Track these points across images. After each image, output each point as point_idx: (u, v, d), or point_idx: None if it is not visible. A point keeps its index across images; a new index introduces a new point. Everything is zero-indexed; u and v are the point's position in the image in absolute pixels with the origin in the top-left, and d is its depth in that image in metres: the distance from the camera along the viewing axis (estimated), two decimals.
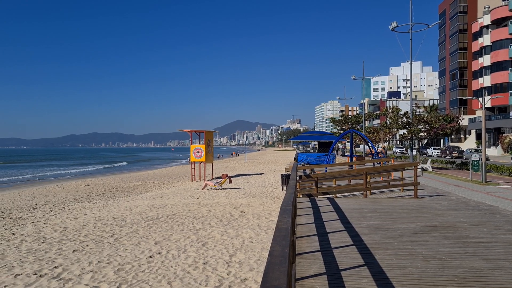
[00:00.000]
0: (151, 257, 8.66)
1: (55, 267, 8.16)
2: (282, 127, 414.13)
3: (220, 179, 23.32)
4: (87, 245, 9.89)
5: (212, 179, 28.82)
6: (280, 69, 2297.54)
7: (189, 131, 31.21)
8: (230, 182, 23.54)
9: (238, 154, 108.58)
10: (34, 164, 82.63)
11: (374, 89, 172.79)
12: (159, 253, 8.95)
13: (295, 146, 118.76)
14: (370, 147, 26.77)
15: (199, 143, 31.32)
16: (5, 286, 7.11)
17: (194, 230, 11.24)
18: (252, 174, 33.78)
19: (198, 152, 29.94)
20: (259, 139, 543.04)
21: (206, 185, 22.69)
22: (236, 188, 22.39)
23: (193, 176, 30.53)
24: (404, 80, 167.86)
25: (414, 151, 38.61)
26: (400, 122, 39.73)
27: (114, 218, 13.64)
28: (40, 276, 7.61)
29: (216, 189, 22.03)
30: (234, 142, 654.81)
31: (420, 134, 38.03)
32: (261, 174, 33.82)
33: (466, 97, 67.40)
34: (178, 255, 8.72)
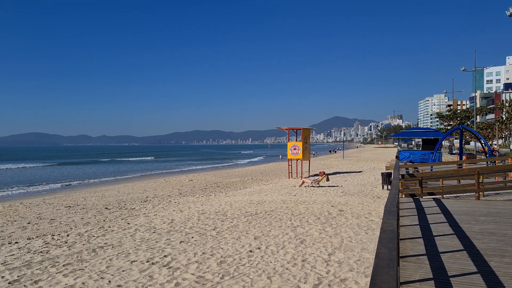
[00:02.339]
0: (251, 251, 8.92)
1: (165, 256, 8.80)
2: (382, 123, 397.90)
3: (317, 177, 23.16)
4: (192, 237, 10.50)
5: (309, 176, 28.75)
6: (380, 61, 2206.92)
7: (286, 128, 31.44)
8: (328, 180, 23.26)
9: (336, 151, 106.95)
10: (170, 159, 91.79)
11: (487, 81, 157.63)
12: (258, 248, 9.18)
13: (396, 143, 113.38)
14: (483, 144, 24.53)
15: (296, 140, 31.41)
16: (122, 271, 7.86)
17: (292, 227, 11.32)
18: (350, 172, 33.01)
19: (295, 149, 30.08)
20: (357, 136, 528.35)
21: (303, 182, 22.71)
22: (333, 186, 22.07)
23: (290, 173, 30.74)
24: None
25: None
26: None
27: (215, 212, 14.29)
28: (152, 263, 8.27)
29: (313, 186, 21.93)
30: (331, 139, 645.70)
31: None
32: (359, 172, 32.89)
33: None
34: (277, 251, 8.86)
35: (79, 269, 8.09)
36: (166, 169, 54.53)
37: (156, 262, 8.36)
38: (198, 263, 8.21)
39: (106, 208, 17.71)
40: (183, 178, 34.03)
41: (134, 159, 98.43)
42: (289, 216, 12.97)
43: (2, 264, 8.80)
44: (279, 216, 13.03)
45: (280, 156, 74.20)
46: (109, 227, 12.67)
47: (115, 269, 7.98)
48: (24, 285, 7.28)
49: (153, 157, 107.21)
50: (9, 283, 7.45)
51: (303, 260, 8.13)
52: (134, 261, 8.46)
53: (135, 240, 10.43)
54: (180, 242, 10.02)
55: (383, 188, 19.79)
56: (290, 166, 30.87)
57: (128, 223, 13.10)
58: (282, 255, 8.53)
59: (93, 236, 11.25)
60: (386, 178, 19.43)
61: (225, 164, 66.67)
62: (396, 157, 24.57)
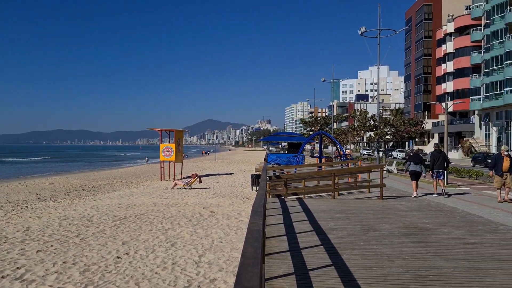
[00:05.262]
0: (118, 257, 8.55)
1: (18, 268, 7.92)
2: (252, 127, 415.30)
3: (190, 179, 23.17)
4: (51, 245, 9.64)
5: (181, 178, 28.60)
6: (251, 69, 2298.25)
7: (158, 130, 30.89)
8: (200, 181, 23.43)
9: (208, 153, 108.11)
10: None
11: (343, 91, 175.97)
12: (126, 253, 8.85)
13: (265, 147, 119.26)
14: (339, 149, 27.26)
15: (169, 142, 31.02)
16: None
17: (163, 230, 11.16)
18: (222, 174, 33.74)
19: (167, 151, 29.65)
20: (229, 138, 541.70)
21: (175, 184, 22.50)
22: (205, 188, 22.32)
23: (162, 176, 30.20)
24: (371, 83, 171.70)
25: (380, 153, 39.55)
26: (367, 125, 40.64)
27: (80, 217, 13.35)
28: (2, 277, 7.38)
29: (186, 188, 21.89)
30: (204, 141, 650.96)
31: (386, 137, 38.98)
32: (231, 174, 33.83)
33: (430, 102, 69.52)
34: (146, 256, 8.64)
35: None
36: (19, 173, 48.95)
37: (7, 275, 7.48)
38: (57, 273, 7.57)
39: None
40: (42, 181, 30.93)
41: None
42: (160, 219, 12.76)
43: None
44: (150, 219, 12.73)
45: (146, 158, 70.93)
46: None
47: None
48: None
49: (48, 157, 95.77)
50: None
51: (173, 263, 8.08)
52: None
53: None
54: (37, 251, 9.13)
55: (252, 189, 20.64)
56: (162, 168, 30.32)
57: None
58: (151, 259, 8.36)
59: None
60: (255, 179, 20.32)
61: (92, 167, 62.47)
62: (265, 159, 25.87)
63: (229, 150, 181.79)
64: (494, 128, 56.04)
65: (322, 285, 5.16)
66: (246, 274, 1.86)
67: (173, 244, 9.55)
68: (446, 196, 15.06)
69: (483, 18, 57.91)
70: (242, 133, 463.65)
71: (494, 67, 53.47)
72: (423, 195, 15.01)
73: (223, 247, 9.23)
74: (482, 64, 57.93)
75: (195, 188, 22.07)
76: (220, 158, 69.81)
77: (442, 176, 15.23)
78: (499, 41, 52.69)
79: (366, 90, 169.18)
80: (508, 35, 50.98)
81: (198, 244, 9.52)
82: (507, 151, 13.55)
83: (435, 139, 70.05)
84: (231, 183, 25.41)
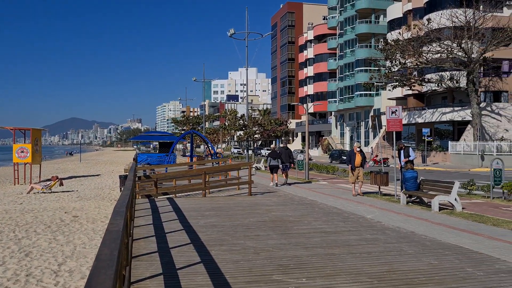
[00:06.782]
0: None
1: None
2: (121, 127, 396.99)
3: (50, 182, 21.18)
4: None
5: (40, 181, 25.96)
6: (121, 67, 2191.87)
7: (11, 128, 27.55)
8: (62, 184, 21.53)
9: (73, 154, 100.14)
10: None
11: (214, 91, 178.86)
12: None
13: (136, 146, 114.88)
14: (210, 148, 27.65)
15: (24, 141, 27.92)
16: None
17: (16, 239, 10.01)
18: (87, 176, 31.54)
19: (22, 152, 26.60)
20: (96, 138, 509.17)
21: (32, 188, 20.36)
22: (68, 191, 20.65)
23: (16, 179, 27.01)
24: (241, 84, 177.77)
25: (250, 152, 41.25)
26: (237, 124, 41.96)
27: None
28: None
29: (45, 192, 19.94)
30: (67, 141, 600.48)
31: (254, 136, 40.76)
32: (97, 175, 31.83)
33: (294, 103, 74.92)
34: None
35: None
36: None
37: None
38: None
39: None
40: None
41: None
42: (12, 227, 11.42)
43: None
44: (0, 228, 11.31)
45: None
46: None
47: None
48: None
49: None
50: None
51: (27, 275, 7.31)
52: None
53: None
54: None
55: (120, 190, 19.74)
56: (16, 171, 27.12)
57: None
58: (0, 273, 7.44)
59: None
60: (124, 180, 19.49)
61: None
62: (134, 159, 24.91)
63: (96, 150, 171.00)
64: (348, 128, 62.66)
65: (190, 283, 5.19)
66: (98, 277, 1.76)
67: (27, 254, 8.63)
68: (288, 185, 17.84)
69: (337, 28, 64.27)
70: (110, 133, 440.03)
71: (347, 73, 59.77)
72: (279, 185, 16.15)
73: (87, 253, 8.65)
74: (337, 70, 64.22)
75: (55, 192, 20.25)
76: (85, 159, 65.17)
77: (288, 168, 18.22)
78: (351, 49, 59.05)
79: (236, 91, 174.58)
80: (357, 44, 57.40)
81: (57, 252, 8.76)
82: (359, 147, 15.03)
83: (299, 138, 75.58)
84: (97, 185, 23.93)
